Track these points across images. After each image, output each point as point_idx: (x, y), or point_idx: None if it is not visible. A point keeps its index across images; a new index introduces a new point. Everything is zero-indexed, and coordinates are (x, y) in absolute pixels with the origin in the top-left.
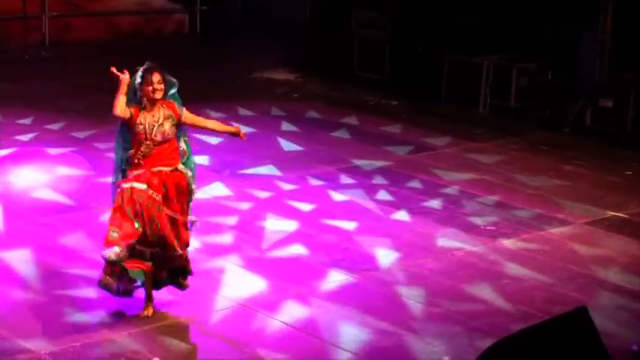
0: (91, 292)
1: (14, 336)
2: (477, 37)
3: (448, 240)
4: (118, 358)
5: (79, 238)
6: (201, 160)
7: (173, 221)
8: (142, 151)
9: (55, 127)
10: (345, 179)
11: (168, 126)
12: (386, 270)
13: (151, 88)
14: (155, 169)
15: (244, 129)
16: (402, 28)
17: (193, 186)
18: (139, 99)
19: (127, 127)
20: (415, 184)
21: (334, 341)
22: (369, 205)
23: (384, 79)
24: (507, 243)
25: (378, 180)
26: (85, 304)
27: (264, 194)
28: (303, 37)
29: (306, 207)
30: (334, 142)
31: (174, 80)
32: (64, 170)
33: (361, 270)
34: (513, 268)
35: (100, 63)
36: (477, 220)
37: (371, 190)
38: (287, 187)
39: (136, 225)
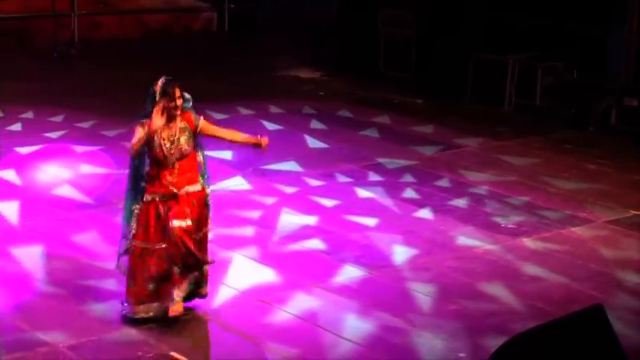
0: (109, 286)
1: (33, 329)
2: (503, 36)
3: (468, 238)
4: (135, 351)
5: (97, 233)
6: (224, 155)
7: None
8: (164, 166)
9: (85, 125)
10: (369, 177)
11: (184, 140)
12: (402, 266)
13: (173, 104)
14: (183, 192)
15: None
16: (428, 27)
17: (210, 201)
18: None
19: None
20: (439, 182)
21: (344, 335)
22: (392, 202)
23: (409, 77)
24: (527, 241)
25: (403, 178)
26: (103, 298)
27: (284, 189)
28: (330, 35)
29: (327, 203)
30: (360, 140)
31: (189, 96)
32: (88, 168)
33: (377, 266)
34: (532, 267)
35: (129, 61)
36: (499, 219)
37: (395, 188)
38: (308, 183)
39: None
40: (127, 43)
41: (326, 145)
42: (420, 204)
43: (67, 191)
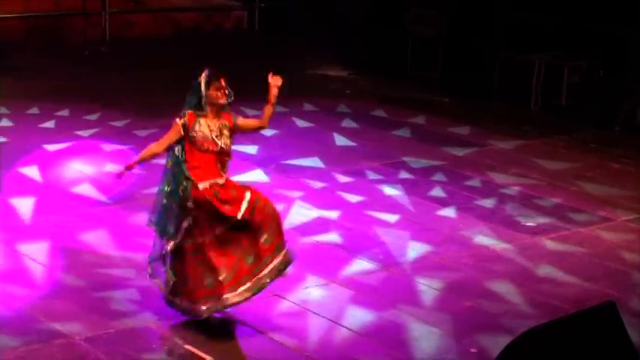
0: (125, 280)
1: (50, 320)
2: (530, 35)
3: (486, 236)
4: (150, 344)
5: (114, 230)
6: (248, 150)
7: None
8: (207, 160)
9: (118, 124)
10: (393, 175)
11: (226, 136)
12: (417, 263)
13: (219, 92)
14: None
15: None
16: (455, 26)
17: None
18: (202, 106)
19: (182, 141)
20: (463, 181)
21: (354, 329)
22: (415, 200)
23: (436, 76)
24: (546, 240)
25: (427, 177)
26: (119, 291)
27: (305, 184)
28: (359, 34)
29: (347, 199)
30: (386, 139)
31: (231, 92)
32: (112, 167)
33: (392, 262)
34: (548, 265)
35: (160, 59)
36: (519, 218)
37: (418, 187)
38: (330, 179)
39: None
40: (158, 41)
41: (352, 143)
42: (442, 202)
43: (85, 189)
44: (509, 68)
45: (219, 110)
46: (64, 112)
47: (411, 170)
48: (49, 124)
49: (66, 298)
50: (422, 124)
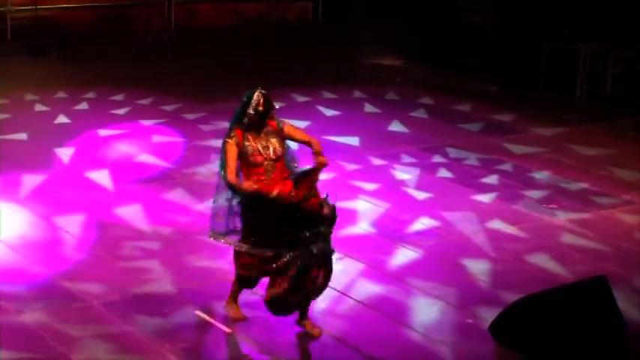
0: (152, 253)
1: (73, 286)
2: (576, 24)
3: (507, 218)
4: (162, 309)
5: (143, 208)
6: (299, 124)
7: None
8: (264, 171)
9: (190, 116)
10: (433, 159)
11: (275, 141)
12: (415, 233)
13: (265, 120)
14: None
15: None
16: (504, 16)
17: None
18: (244, 121)
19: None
20: (501, 166)
21: (359, 299)
22: (450, 185)
23: (486, 65)
24: (564, 220)
25: (467, 162)
26: (144, 263)
27: (349, 164)
28: (414, 24)
29: (378, 179)
30: (442, 129)
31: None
32: (147, 157)
33: (389, 229)
34: (562, 243)
35: (225, 49)
36: (544, 201)
37: (454, 172)
38: (376, 161)
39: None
40: (222, 30)
41: (405, 130)
42: (480, 188)
43: (99, 176)
44: (555, 57)
45: (264, 126)
46: (145, 101)
47: (454, 157)
48: (122, 110)
49: (91, 267)
50: (475, 113)
